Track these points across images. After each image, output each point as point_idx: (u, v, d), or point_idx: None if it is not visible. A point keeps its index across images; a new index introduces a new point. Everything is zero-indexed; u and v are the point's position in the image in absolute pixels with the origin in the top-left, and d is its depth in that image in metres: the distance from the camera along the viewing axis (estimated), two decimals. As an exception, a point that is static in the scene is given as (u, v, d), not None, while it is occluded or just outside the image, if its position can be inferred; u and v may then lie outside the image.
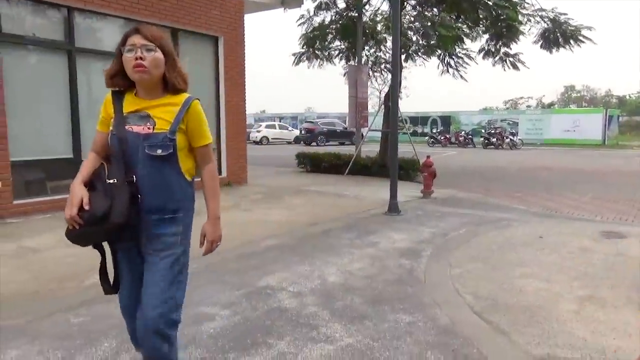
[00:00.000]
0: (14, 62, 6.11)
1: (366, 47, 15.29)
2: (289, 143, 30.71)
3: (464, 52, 13.58)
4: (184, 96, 1.90)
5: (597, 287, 3.70)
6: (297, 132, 31.46)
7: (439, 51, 13.81)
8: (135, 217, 1.80)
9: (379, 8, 14.46)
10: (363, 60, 14.51)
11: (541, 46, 12.38)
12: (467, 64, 13.68)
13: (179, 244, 1.92)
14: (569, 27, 11.74)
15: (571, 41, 11.90)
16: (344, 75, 19.52)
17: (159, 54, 1.82)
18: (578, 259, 4.48)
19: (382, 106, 13.17)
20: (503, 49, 12.85)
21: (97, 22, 7.08)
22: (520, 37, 12.25)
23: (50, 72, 6.56)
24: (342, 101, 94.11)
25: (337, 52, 15.87)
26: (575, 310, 3.23)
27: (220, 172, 9.02)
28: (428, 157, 8.69)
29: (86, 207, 1.73)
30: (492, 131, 27.43)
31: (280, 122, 36.88)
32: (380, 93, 43.23)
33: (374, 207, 7.17)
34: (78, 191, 1.77)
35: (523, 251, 4.77)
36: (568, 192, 9.63)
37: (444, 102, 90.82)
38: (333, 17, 14.06)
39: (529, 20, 12.11)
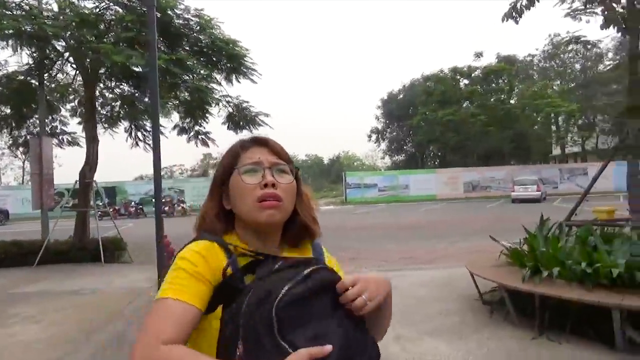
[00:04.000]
0: None
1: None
2: None
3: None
4: (308, 243, 1.21)
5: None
6: None
7: (126, 123, 13.99)
8: None
9: (56, 75, 13.08)
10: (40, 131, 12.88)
11: (228, 127, 14.04)
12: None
13: None
14: (250, 113, 13.83)
15: (251, 124, 14.01)
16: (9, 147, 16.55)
17: (293, 181, 1.13)
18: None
19: (76, 182, 11.90)
20: (196, 127, 13.93)
21: None
22: (211, 117, 13.66)
23: None
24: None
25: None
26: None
27: None
28: (165, 236, 8.55)
29: None
30: (163, 200, 28.00)
31: None
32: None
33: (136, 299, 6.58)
34: None
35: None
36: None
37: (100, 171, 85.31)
38: (3, 80, 11.95)
39: (217, 104, 13.59)
